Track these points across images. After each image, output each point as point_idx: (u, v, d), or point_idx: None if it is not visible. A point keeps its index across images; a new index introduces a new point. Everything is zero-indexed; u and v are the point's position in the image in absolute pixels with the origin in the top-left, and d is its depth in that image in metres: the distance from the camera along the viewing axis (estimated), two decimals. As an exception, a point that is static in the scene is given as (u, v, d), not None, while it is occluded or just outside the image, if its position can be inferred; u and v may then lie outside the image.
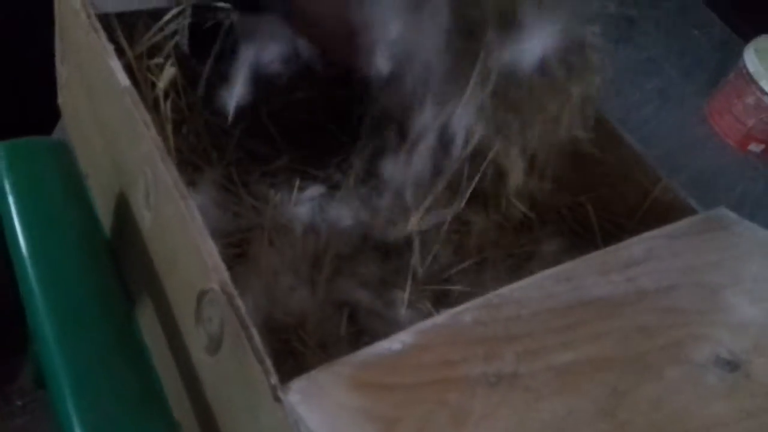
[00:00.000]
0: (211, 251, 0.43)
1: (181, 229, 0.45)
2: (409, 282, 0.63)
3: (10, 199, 0.46)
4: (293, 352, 0.55)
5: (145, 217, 0.52)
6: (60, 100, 0.63)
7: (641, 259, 0.47)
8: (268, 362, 0.39)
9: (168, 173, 0.45)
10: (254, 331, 0.40)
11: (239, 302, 0.41)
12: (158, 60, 0.54)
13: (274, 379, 0.38)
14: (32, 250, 0.45)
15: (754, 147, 1.32)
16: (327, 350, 0.58)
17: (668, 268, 0.47)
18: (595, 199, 0.62)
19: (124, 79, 0.49)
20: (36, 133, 0.53)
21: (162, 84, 0.51)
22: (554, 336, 0.42)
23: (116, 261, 0.61)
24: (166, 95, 0.52)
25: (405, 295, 0.62)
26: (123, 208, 0.55)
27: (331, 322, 0.60)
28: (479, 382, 0.38)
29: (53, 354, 0.43)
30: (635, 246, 0.48)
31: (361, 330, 0.60)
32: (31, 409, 0.86)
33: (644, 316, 0.43)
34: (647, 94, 1.29)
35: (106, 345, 0.45)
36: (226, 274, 0.42)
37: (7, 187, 0.46)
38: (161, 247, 0.51)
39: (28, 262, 0.44)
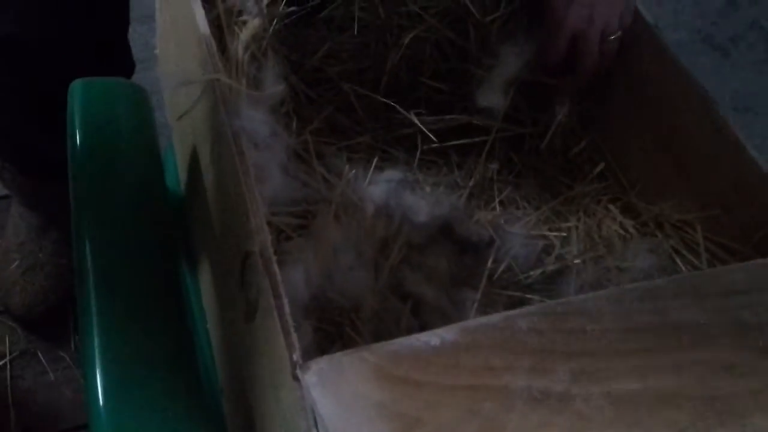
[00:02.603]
0: (256, 211, 0.40)
1: (234, 186, 0.43)
2: (483, 283, 0.58)
3: (78, 137, 0.46)
4: (343, 336, 0.52)
5: (210, 172, 0.50)
6: (157, 50, 0.64)
7: (744, 288, 0.40)
8: (294, 336, 0.36)
9: (229, 126, 0.43)
10: (285, 302, 0.37)
11: (276, 269, 0.38)
12: (247, 17, 0.52)
13: (296, 355, 0.35)
14: (89, 193, 0.44)
15: None
16: (381, 340, 0.54)
17: (776, 303, 0.39)
18: (705, 219, 0.55)
19: (204, 27, 0.48)
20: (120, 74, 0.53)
21: (244, 36, 0.49)
22: (622, 359, 0.36)
23: (186, 217, 0.60)
24: (247, 49, 0.50)
25: (476, 296, 0.57)
26: (194, 163, 0.54)
27: (391, 313, 0.56)
28: (521, 396, 0.33)
29: (90, 301, 0.42)
30: (739, 272, 0.41)
31: (422, 326, 0.56)
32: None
33: (736, 353, 0.36)
34: (794, 121, 1.16)
35: (144, 299, 0.43)
36: (268, 237, 0.39)
37: (77, 124, 0.46)
38: (220, 205, 0.49)
39: (82, 205, 0.44)
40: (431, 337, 0.36)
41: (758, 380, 0.35)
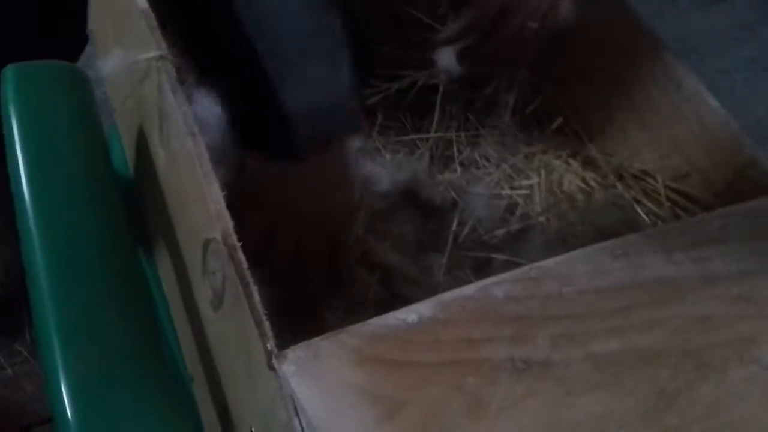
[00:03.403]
0: (216, 196, 0.38)
1: (189, 169, 0.41)
2: (448, 246, 0.57)
3: (14, 125, 0.43)
4: (315, 314, 0.51)
5: (160, 155, 0.48)
6: (89, 27, 0.60)
7: (713, 238, 0.40)
8: (266, 325, 0.35)
9: (178, 107, 0.41)
10: (254, 289, 0.36)
11: (241, 256, 0.37)
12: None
13: (270, 344, 0.34)
14: (32, 183, 0.42)
15: None
16: (354, 315, 0.53)
17: (744, 251, 0.40)
18: (666, 169, 0.55)
19: (142, 2, 0.45)
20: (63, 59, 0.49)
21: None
22: (599, 320, 0.36)
23: (137, 201, 0.58)
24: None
25: (443, 260, 0.57)
26: (142, 145, 0.52)
27: (360, 285, 0.55)
28: (504, 367, 0.33)
29: (44, 297, 0.39)
30: (707, 222, 0.41)
31: (393, 295, 0.55)
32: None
33: (709, 304, 0.37)
34: (738, 62, 1.18)
35: (102, 291, 0.41)
36: (229, 223, 0.38)
37: (12, 112, 0.43)
38: (173, 189, 0.47)
39: (26, 196, 0.41)
40: (408, 314, 0.35)
41: (732, 331, 0.36)
